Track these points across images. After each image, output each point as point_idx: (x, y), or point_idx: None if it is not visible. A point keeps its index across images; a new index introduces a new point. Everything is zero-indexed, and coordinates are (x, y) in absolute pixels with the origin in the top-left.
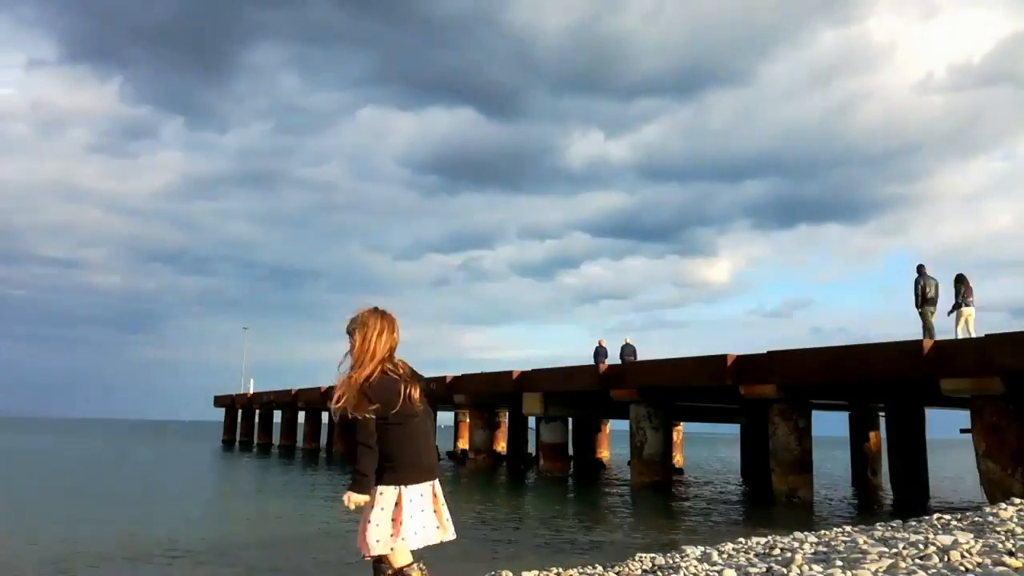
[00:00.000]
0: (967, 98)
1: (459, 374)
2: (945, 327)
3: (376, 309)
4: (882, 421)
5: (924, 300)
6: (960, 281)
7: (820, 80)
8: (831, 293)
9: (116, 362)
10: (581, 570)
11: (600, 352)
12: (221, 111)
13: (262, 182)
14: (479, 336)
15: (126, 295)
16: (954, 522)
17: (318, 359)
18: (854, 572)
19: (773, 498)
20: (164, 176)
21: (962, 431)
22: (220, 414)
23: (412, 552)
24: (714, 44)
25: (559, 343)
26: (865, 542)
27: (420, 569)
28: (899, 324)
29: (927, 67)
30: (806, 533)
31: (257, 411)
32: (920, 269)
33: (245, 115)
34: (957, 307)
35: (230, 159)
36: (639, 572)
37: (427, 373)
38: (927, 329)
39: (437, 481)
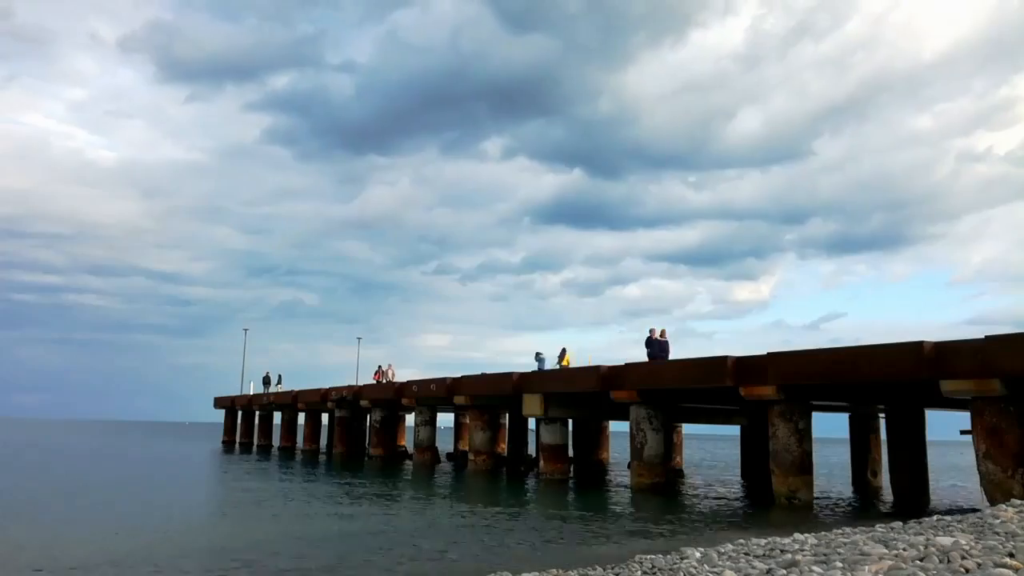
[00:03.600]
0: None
1: (460, 375)
2: None
3: None
4: (882, 422)
5: None
6: None
7: (874, 152)
8: (863, 309)
9: (174, 367)
10: (581, 571)
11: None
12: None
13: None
14: (524, 340)
15: (213, 303)
16: (954, 523)
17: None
18: (854, 573)
19: (773, 499)
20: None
21: (962, 432)
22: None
23: None
24: (786, 130)
25: (600, 348)
26: (865, 543)
27: None
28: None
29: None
30: (806, 534)
31: (257, 413)
32: None
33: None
34: None
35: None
36: (639, 573)
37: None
38: None
39: None
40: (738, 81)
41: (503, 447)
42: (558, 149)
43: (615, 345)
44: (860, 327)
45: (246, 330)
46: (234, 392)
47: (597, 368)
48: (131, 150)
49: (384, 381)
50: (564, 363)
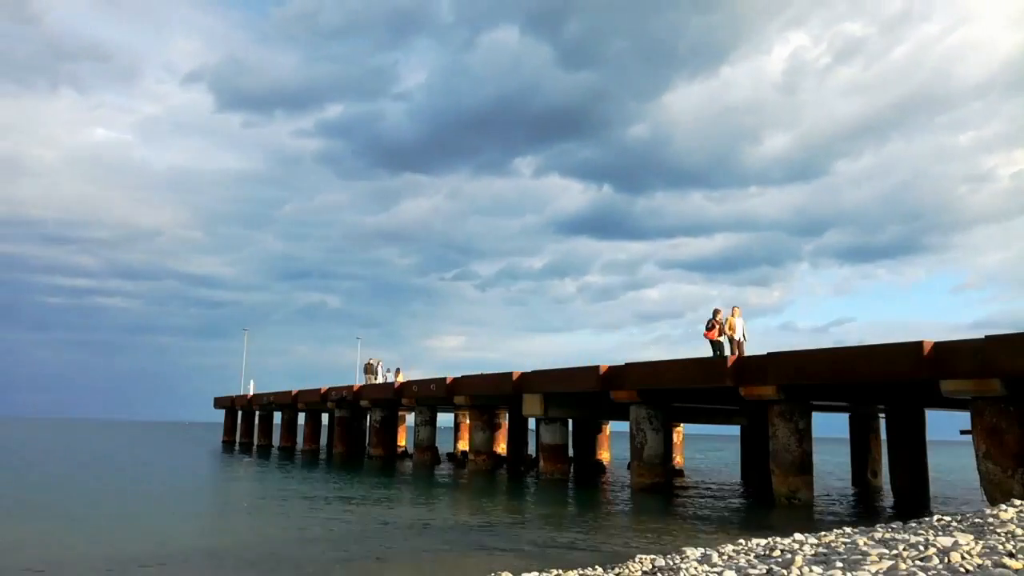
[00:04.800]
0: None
1: (459, 375)
2: None
3: None
4: (882, 422)
5: None
6: None
7: (891, 172)
8: (873, 313)
9: (186, 367)
10: (581, 571)
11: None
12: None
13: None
14: (538, 342)
15: (238, 306)
16: (954, 523)
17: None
18: (854, 573)
19: (773, 499)
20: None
21: (962, 432)
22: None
23: None
24: (811, 151)
25: (611, 350)
26: (865, 543)
27: None
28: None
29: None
30: (806, 534)
31: (257, 412)
32: None
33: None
34: None
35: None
36: (639, 573)
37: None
38: None
39: None
40: (771, 107)
41: (503, 447)
42: (589, 167)
43: (625, 347)
44: (868, 331)
45: (246, 330)
46: (234, 392)
47: (597, 368)
48: (184, 162)
49: (375, 379)
50: (398, 378)
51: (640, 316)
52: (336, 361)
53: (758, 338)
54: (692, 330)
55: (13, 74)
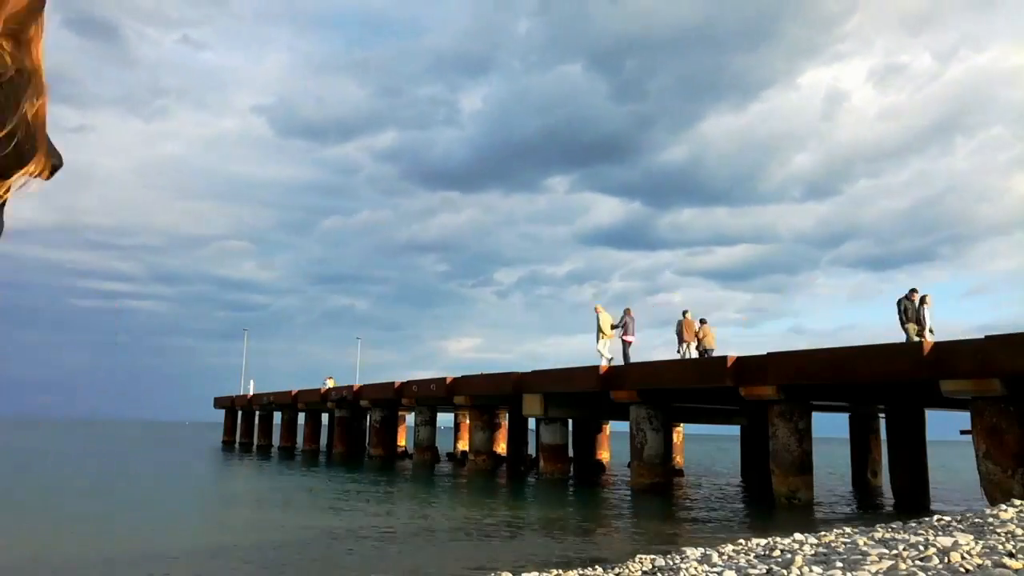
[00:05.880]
0: None
1: (459, 375)
2: None
3: None
4: (882, 422)
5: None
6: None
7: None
8: (881, 318)
9: (202, 368)
10: (581, 571)
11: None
12: None
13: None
14: (553, 343)
15: (267, 308)
16: (954, 523)
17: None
18: (854, 573)
19: (773, 499)
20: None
21: (962, 432)
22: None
23: None
24: (834, 171)
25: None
26: (865, 543)
27: None
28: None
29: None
30: (806, 534)
31: (257, 412)
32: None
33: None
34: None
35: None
36: (639, 573)
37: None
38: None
39: None
40: (802, 131)
41: (502, 447)
42: (622, 185)
43: (637, 348)
44: (876, 334)
45: (246, 331)
46: (234, 392)
47: (597, 368)
48: (241, 175)
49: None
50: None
51: (656, 320)
52: (346, 362)
53: (763, 341)
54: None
55: (111, 105)
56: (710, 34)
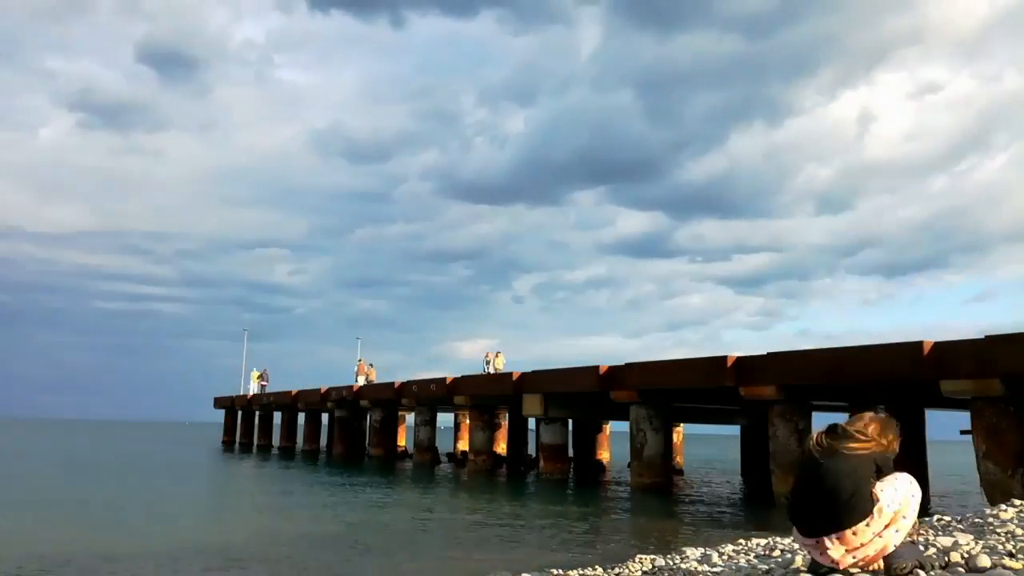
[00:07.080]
0: None
1: (459, 375)
2: None
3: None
4: None
5: None
6: None
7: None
8: (889, 322)
9: (214, 369)
10: (581, 571)
11: None
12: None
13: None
14: (567, 344)
15: (290, 312)
16: (954, 523)
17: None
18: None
19: (773, 499)
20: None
21: (962, 432)
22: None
23: None
24: (851, 185)
25: (634, 352)
26: None
27: None
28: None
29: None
30: None
31: (257, 413)
32: None
33: None
34: None
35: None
36: (639, 573)
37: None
38: None
39: None
40: (829, 151)
41: (502, 447)
42: (645, 199)
43: (648, 350)
44: (884, 338)
45: (246, 331)
46: (234, 392)
47: (597, 368)
48: (286, 185)
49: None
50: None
51: (668, 324)
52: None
53: (771, 344)
54: (714, 335)
55: (176, 126)
56: (755, 63)
